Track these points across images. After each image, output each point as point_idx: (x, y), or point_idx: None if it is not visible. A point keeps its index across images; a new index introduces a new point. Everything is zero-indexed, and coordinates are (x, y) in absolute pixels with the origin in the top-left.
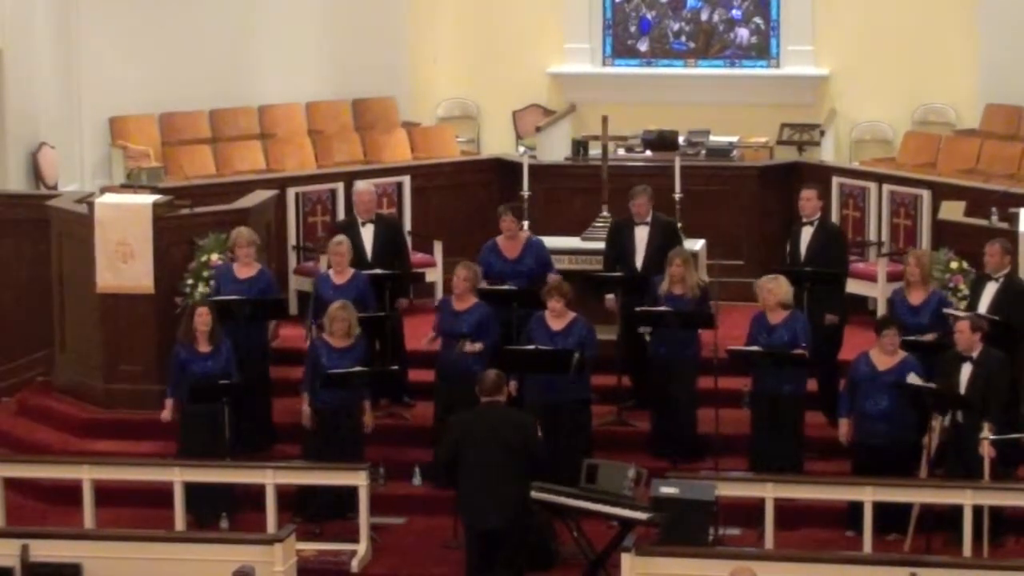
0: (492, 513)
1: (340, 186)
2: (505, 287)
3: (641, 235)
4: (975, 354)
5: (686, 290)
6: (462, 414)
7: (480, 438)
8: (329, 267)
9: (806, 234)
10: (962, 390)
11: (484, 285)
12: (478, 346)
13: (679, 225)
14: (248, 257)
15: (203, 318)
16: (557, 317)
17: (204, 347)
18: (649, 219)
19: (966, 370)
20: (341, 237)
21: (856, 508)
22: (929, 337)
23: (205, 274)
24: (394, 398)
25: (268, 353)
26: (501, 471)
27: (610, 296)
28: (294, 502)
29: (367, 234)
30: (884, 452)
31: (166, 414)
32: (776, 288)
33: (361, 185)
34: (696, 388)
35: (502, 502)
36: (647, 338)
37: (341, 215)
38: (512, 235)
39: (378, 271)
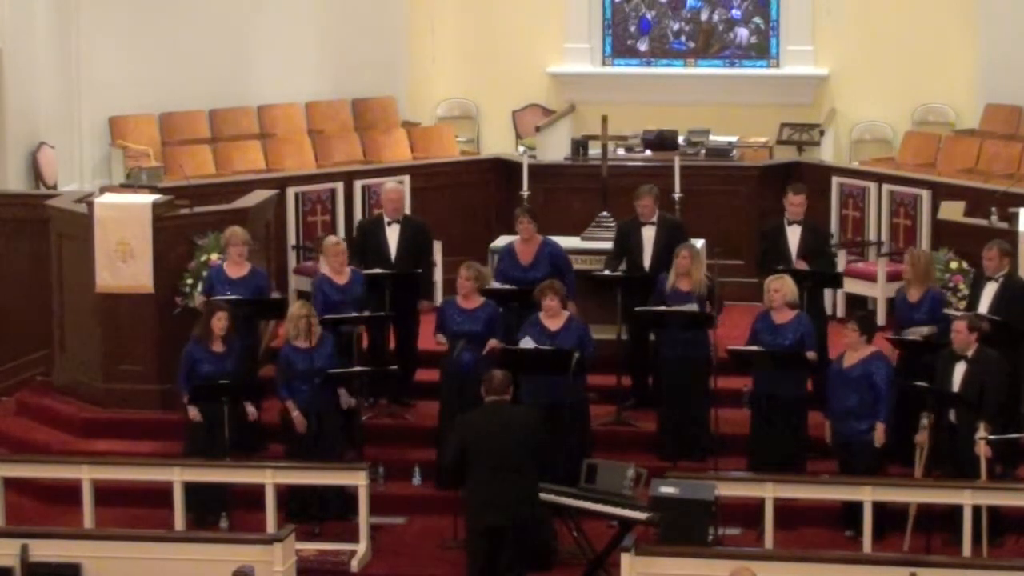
0: (501, 511)
1: (340, 186)
2: (505, 287)
3: (648, 235)
4: (970, 353)
5: (692, 285)
6: (468, 414)
7: (488, 437)
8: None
9: (793, 233)
10: (956, 389)
11: (496, 286)
12: (495, 342)
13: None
14: (240, 256)
15: (221, 322)
16: (553, 316)
17: (218, 347)
18: (655, 219)
19: (960, 369)
20: (338, 238)
21: (851, 508)
22: (914, 335)
23: (205, 274)
24: (394, 398)
25: (258, 353)
26: (509, 469)
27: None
28: (291, 503)
29: (392, 234)
30: (856, 449)
31: (194, 413)
32: (783, 287)
33: (390, 184)
34: (709, 388)
35: (511, 500)
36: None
37: (341, 215)
38: (528, 237)
39: (377, 271)
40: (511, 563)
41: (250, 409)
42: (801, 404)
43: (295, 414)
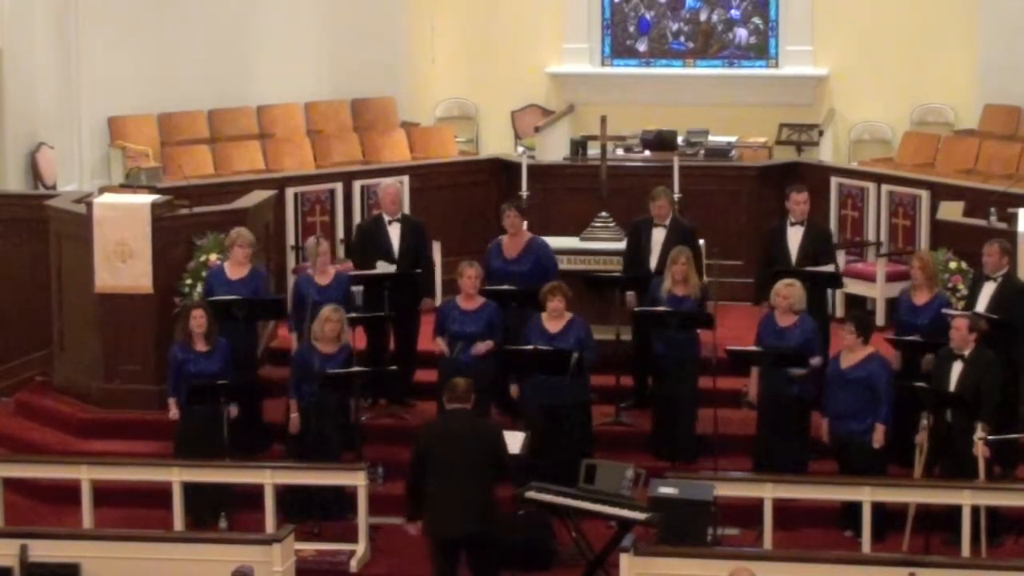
0: (450, 522)
1: (339, 186)
2: (505, 287)
3: (658, 237)
4: (966, 353)
5: (688, 290)
6: (429, 422)
7: (443, 444)
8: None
9: (794, 234)
10: (952, 389)
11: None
12: (488, 344)
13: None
14: (244, 257)
15: (198, 320)
16: (555, 318)
17: (201, 347)
18: (668, 221)
19: (956, 368)
20: (320, 237)
21: (851, 508)
22: (917, 338)
23: (204, 274)
24: (394, 398)
25: (257, 354)
26: (465, 478)
27: (630, 293)
28: (291, 503)
29: (394, 232)
30: (855, 449)
31: (174, 412)
32: (793, 293)
33: (388, 182)
34: (697, 389)
35: (466, 510)
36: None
37: (340, 215)
38: (515, 232)
39: (377, 271)
40: (482, 572)
41: (231, 409)
42: (806, 405)
43: (293, 416)
